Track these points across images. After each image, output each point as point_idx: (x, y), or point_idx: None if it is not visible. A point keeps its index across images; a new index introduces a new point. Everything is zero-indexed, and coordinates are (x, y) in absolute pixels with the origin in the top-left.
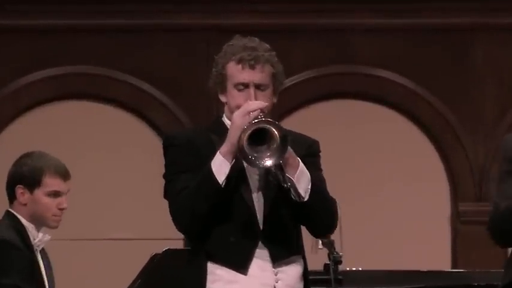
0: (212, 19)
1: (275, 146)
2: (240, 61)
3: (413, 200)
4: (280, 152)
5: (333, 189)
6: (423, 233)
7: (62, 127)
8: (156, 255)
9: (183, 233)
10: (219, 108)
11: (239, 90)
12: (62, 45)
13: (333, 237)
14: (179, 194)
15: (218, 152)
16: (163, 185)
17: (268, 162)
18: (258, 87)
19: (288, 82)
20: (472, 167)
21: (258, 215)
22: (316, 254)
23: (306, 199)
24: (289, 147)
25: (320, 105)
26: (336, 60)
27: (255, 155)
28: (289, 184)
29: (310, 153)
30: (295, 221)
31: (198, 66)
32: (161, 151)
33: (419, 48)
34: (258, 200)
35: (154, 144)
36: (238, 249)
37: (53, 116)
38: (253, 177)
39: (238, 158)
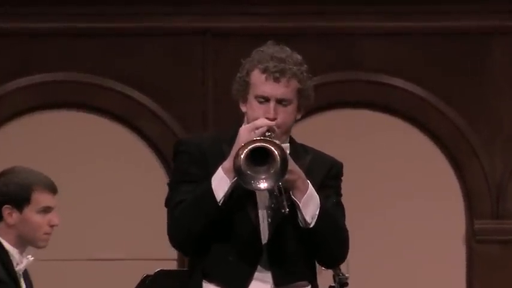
0: (206, 22)
1: (274, 169)
2: (264, 71)
3: (424, 218)
4: (278, 176)
5: None
6: (435, 253)
7: (45, 139)
8: (147, 276)
9: (177, 250)
10: (212, 116)
11: (260, 102)
12: (44, 51)
13: None
14: (176, 207)
15: (220, 167)
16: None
17: (263, 185)
18: (280, 101)
19: None
20: (489, 182)
21: (262, 235)
22: (320, 276)
23: (312, 226)
24: (298, 170)
25: (321, 116)
26: (338, 66)
27: (251, 174)
28: (287, 210)
29: (331, 175)
30: (303, 249)
31: (192, 72)
32: (153, 164)
33: (431, 53)
34: (263, 220)
35: (146, 157)
36: (237, 270)
37: (35, 127)
38: (262, 195)
39: None
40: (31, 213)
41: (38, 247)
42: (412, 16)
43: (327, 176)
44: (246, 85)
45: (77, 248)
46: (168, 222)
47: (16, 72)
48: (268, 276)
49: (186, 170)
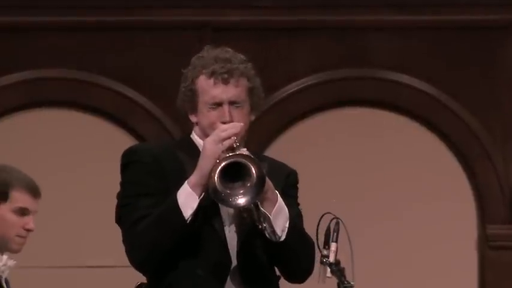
0: (205, 15)
1: (250, 184)
2: (211, 75)
3: (434, 222)
4: (256, 191)
5: (342, 209)
6: (445, 259)
7: (32, 139)
8: (141, 284)
9: (136, 269)
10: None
11: (212, 108)
12: (33, 46)
13: (343, 263)
14: (136, 224)
15: (186, 183)
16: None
17: (241, 201)
18: (232, 103)
19: (292, 88)
20: (502, 185)
21: (230, 249)
22: (323, 284)
23: (282, 239)
24: (267, 181)
25: (328, 114)
26: (346, 62)
27: (228, 191)
28: (264, 225)
29: (289, 183)
30: (270, 262)
31: None
32: None
33: (442, 49)
34: (229, 233)
35: None
36: (206, 284)
37: (22, 126)
38: (225, 208)
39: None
40: (5, 211)
41: (11, 250)
42: (422, 10)
43: (286, 184)
44: (193, 94)
45: (67, 254)
46: (126, 241)
47: (1, 69)
48: None
49: (142, 181)
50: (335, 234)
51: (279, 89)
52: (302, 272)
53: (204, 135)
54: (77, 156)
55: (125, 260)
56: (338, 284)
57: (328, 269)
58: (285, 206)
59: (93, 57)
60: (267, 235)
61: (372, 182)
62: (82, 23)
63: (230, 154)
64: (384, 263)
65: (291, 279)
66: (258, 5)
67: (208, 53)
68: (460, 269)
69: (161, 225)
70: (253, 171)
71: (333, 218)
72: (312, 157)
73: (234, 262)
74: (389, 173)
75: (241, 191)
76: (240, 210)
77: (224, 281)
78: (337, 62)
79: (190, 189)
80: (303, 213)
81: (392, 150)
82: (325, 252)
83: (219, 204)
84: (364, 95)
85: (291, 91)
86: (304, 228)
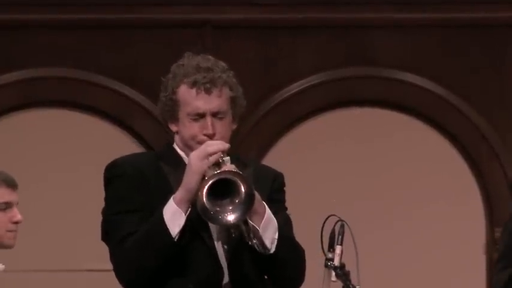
0: (205, 13)
1: (239, 201)
2: (194, 85)
3: (441, 225)
4: (245, 208)
5: (347, 211)
6: (453, 263)
7: (29, 140)
8: None
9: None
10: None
11: (194, 120)
12: (29, 44)
13: (348, 267)
14: (124, 242)
15: (172, 199)
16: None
17: (231, 218)
18: (215, 115)
19: (294, 88)
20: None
21: (220, 259)
22: None
23: (272, 251)
24: (256, 194)
25: (332, 114)
26: (350, 61)
27: (217, 209)
28: (254, 241)
29: (275, 188)
30: (261, 275)
31: None
32: None
33: (449, 48)
34: (219, 248)
35: None
36: None
37: (18, 127)
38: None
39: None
40: None
41: (5, 246)
42: (428, 7)
43: (272, 189)
44: (174, 104)
45: (63, 257)
46: (114, 260)
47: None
48: None
49: (127, 197)
50: (340, 237)
51: (281, 89)
52: (294, 282)
53: (185, 146)
54: (75, 156)
55: None
56: None
57: (333, 273)
58: (273, 217)
59: (91, 55)
60: (257, 248)
61: (377, 183)
62: (80, 21)
63: (217, 171)
64: (389, 266)
65: None
66: (259, 3)
67: (189, 60)
68: (468, 272)
69: (148, 244)
70: (242, 189)
71: (338, 221)
72: (315, 158)
73: (226, 278)
74: (395, 174)
75: (230, 208)
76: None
77: None
78: (341, 61)
79: (176, 206)
80: (307, 215)
81: (399, 151)
82: (329, 255)
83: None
84: (369, 94)
85: (293, 91)
86: (294, 236)
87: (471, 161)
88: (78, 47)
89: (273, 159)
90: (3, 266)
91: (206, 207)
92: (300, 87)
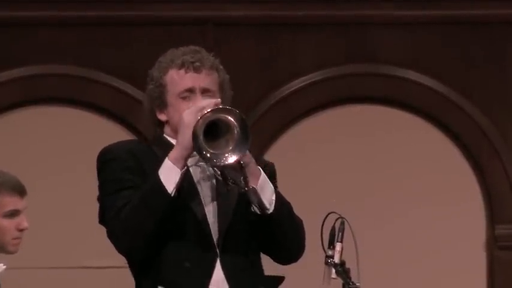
0: (207, 10)
1: (234, 136)
2: (182, 65)
3: (442, 222)
4: (243, 142)
5: (348, 208)
6: (453, 260)
7: (28, 138)
8: None
9: (125, 257)
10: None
11: (184, 98)
12: (29, 41)
13: (348, 264)
14: (120, 212)
15: (166, 158)
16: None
17: (232, 158)
18: (205, 92)
19: (295, 85)
20: None
21: (213, 235)
22: (328, 285)
23: (271, 211)
24: (249, 154)
25: (333, 112)
26: (352, 58)
27: (214, 152)
28: (251, 186)
29: (266, 175)
30: (258, 245)
31: None
32: None
33: (451, 45)
34: (212, 215)
35: None
36: (194, 276)
37: (17, 125)
38: (205, 189)
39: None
40: None
41: (9, 253)
42: (428, 4)
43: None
44: (163, 89)
45: (64, 254)
46: (111, 230)
47: None
48: (223, 279)
49: (120, 178)
50: (340, 234)
51: (282, 86)
52: (293, 251)
53: (176, 132)
54: (75, 154)
55: (123, 261)
56: (343, 285)
57: (333, 270)
58: (269, 180)
59: (91, 52)
60: (253, 209)
61: (378, 181)
62: (81, 18)
63: (209, 111)
64: (390, 263)
65: (282, 259)
66: (260, 0)
67: (173, 51)
68: (468, 269)
69: (145, 205)
70: (234, 122)
71: (338, 218)
72: (316, 156)
73: (220, 251)
74: (396, 172)
75: (230, 148)
76: (220, 186)
77: (211, 271)
78: (342, 58)
79: (172, 164)
80: (307, 212)
81: (399, 149)
82: (330, 252)
83: (196, 185)
84: (369, 91)
85: (294, 88)
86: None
87: (472, 158)
88: (79, 44)
89: (274, 156)
90: (4, 266)
91: (204, 148)
92: (301, 84)
